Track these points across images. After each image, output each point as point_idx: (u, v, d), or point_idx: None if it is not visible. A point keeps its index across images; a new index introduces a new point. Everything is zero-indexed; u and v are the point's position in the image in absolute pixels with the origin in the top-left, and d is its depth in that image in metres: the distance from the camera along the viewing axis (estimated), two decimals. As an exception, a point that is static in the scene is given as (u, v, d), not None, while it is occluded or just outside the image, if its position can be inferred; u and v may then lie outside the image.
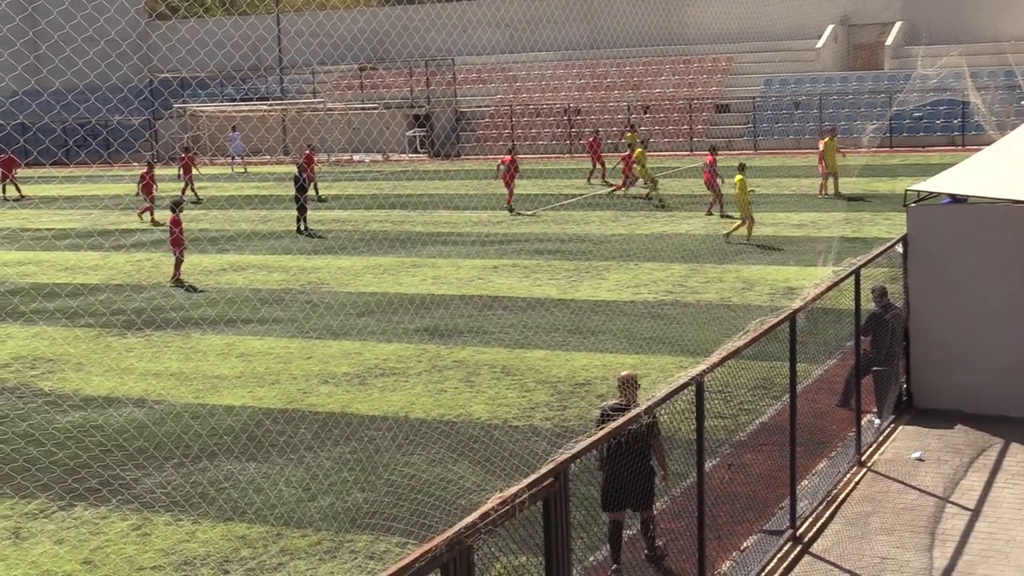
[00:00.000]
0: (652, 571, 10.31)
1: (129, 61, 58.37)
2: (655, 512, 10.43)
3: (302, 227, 34.23)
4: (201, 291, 25.60)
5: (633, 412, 8.58)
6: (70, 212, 42.15)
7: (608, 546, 10.18)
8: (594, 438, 7.96)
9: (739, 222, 28.65)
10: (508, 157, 37.87)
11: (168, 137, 66.21)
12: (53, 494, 13.17)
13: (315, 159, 45.49)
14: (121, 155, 62.46)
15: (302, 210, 34.16)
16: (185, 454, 14.33)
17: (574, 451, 7.52)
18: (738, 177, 28.57)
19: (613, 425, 8.14)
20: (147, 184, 38.47)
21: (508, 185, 37.32)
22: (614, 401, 10.62)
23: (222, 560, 11.27)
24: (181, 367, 18.88)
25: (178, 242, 26.76)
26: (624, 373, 10.84)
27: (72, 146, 65.37)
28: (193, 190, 44.99)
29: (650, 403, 8.70)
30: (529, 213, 36.02)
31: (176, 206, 27.68)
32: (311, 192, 43.30)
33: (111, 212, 41.64)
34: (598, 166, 44.56)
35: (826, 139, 36.65)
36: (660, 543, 10.39)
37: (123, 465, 14.03)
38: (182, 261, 27.06)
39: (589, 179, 44.68)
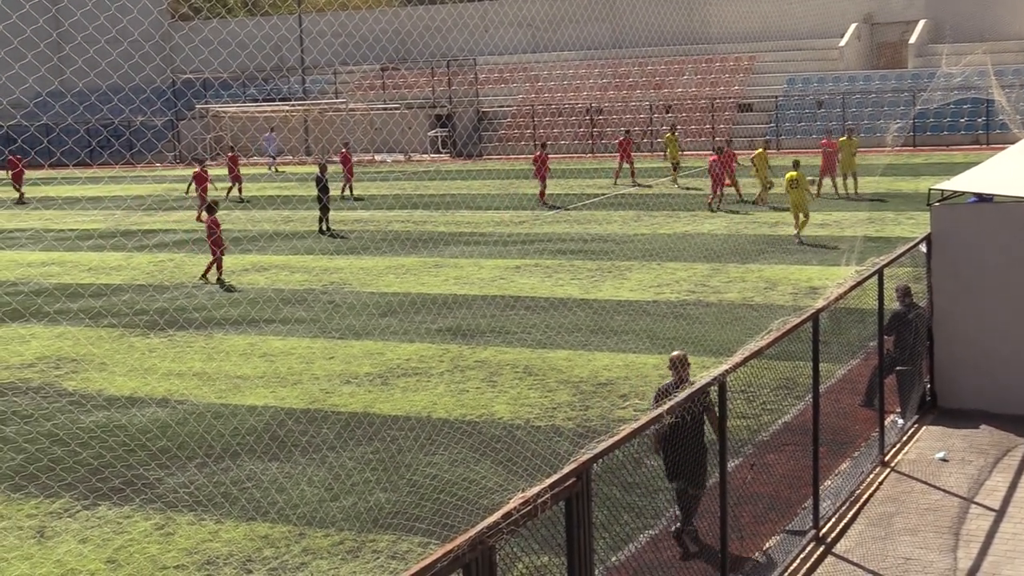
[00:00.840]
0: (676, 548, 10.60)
1: (152, 62, 58.63)
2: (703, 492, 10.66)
3: (324, 227, 34.30)
4: (240, 290, 25.64)
5: (682, 395, 8.94)
6: (93, 213, 42.35)
7: (678, 509, 10.70)
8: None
9: (799, 218, 28.20)
10: (538, 154, 39.59)
11: (191, 138, 66.45)
12: (77, 493, 13.24)
13: (351, 158, 45.46)
14: (144, 156, 62.77)
15: (324, 210, 34.21)
16: (208, 454, 14.37)
17: (596, 451, 7.50)
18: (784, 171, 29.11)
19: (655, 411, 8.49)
20: (205, 186, 38.46)
21: (543, 180, 39.28)
22: (668, 381, 11.15)
23: (245, 560, 11.30)
24: (204, 367, 18.94)
25: (219, 242, 26.71)
26: (675, 353, 11.26)
27: (95, 147, 65.71)
28: (240, 190, 44.94)
29: (672, 403, 8.67)
30: (550, 212, 36.01)
31: (214, 207, 27.73)
32: (346, 192, 43.34)
33: (134, 213, 41.83)
34: (626, 166, 44.07)
35: (843, 139, 36.51)
36: (695, 526, 10.60)
37: (146, 465, 14.09)
38: (220, 261, 27.04)
39: (616, 179, 44.42)
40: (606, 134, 60.25)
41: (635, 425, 8.15)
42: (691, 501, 10.63)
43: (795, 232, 28.16)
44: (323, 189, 34.13)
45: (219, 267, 27.01)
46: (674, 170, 42.84)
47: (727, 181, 35.41)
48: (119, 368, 19.16)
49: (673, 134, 43.94)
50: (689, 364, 11.15)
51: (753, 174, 35.70)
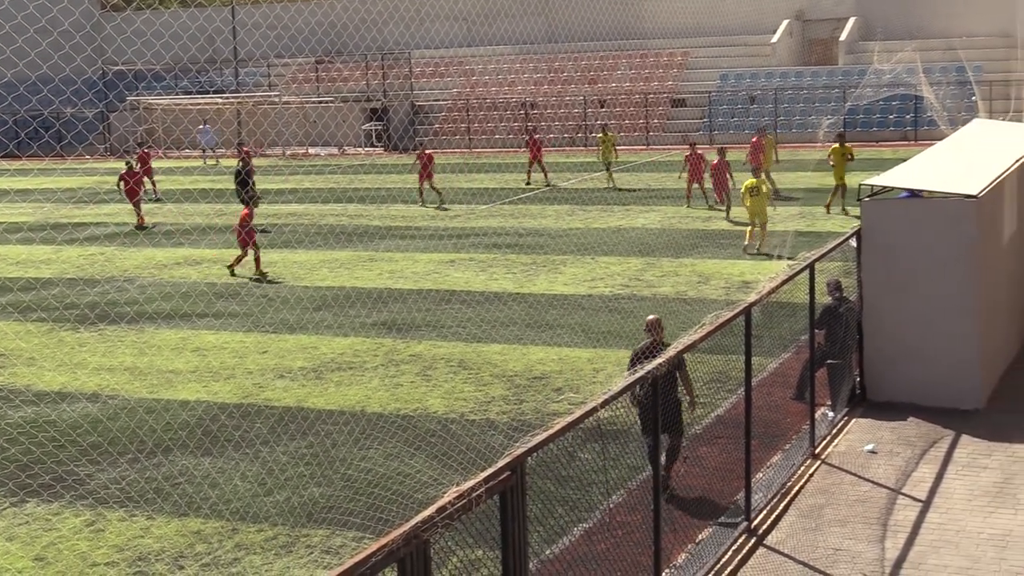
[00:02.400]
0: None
1: (83, 52, 57.79)
2: (684, 442, 11.82)
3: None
4: (279, 282, 25.21)
5: (658, 360, 9.77)
6: (22, 206, 41.67)
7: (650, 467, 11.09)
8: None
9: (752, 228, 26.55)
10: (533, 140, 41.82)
11: (123, 130, 65.60)
12: (5, 490, 13.05)
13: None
14: (74, 148, 61.85)
15: (245, 204, 33.48)
16: (139, 449, 14.22)
17: (530, 445, 7.53)
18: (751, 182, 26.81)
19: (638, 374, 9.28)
20: (131, 188, 37.48)
21: (540, 163, 40.99)
22: (644, 343, 12.23)
23: (177, 556, 11.20)
24: (135, 362, 18.74)
25: (251, 235, 25.98)
26: (651, 317, 12.61)
27: (24, 138, 64.60)
28: (153, 185, 43.59)
29: (607, 396, 8.72)
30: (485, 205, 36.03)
31: (250, 201, 26.90)
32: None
33: (64, 205, 41.22)
34: (536, 165, 42.02)
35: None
36: (672, 476, 11.53)
37: (76, 461, 13.92)
38: (244, 256, 26.16)
39: (528, 179, 42.34)
40: (541, 128, 60.38)
41: (569, 419, 8.19)
42: (671, 451, 11.54)
43: (748, 242, 26.40)
44: (242, 183, 33.40)
45: (257, 261, 26.13)
46: (607, 171, 40.84)
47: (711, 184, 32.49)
48: (48, 363, 18.90)
49: (606, 134, 41.75)
50: (663, 328, 12.29)
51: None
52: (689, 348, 10.19)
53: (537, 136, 43.75)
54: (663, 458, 11.05)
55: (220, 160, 58.10)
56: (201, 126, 60.18)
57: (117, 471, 13.55)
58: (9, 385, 17.52)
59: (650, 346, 11.81)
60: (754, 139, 34.84)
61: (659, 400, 9.64)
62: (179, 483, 13.09)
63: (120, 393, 16.92)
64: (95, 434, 14.84)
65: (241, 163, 34.79)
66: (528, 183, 42.05)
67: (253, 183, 33.54)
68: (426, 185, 37.84)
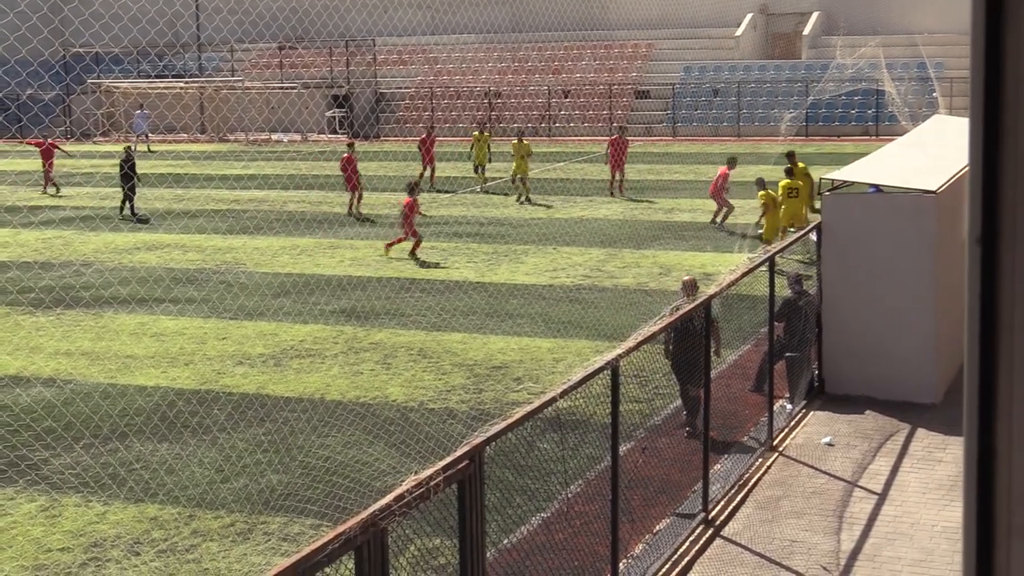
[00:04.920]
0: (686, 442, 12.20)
1: (40, 34, 57.08)
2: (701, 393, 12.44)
3: (128, 210, 33.61)
4: (434, 264, 24.95)
5: (686, 309, 11.43)
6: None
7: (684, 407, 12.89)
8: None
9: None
10: (425, 136, 38.57)
11: (80, 113, 64.94)
12: (-42, 475, 12.90)
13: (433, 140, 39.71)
14: (31, 130, 61.13)
15: (132, 191, 33.51)
16: (95, 435, 14.11)
17: (489, 434, 7.53)
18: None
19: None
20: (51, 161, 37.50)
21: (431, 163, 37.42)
22: (679, 300, 13.44)
23: (133, 542, 11.12)
24: (92, 347, 18.58)
25: (411, 224, 25.43)
26: (687, 277, 14.03)
27: (-19, 120, 63.84)
28: (54, 182, 40.49)
29: (566, 386, 8.72)
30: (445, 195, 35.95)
31: (413, 188, 26.32)
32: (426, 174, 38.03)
33: (19, 188, 40.77)
34: (429, 169, 38.34)
35: (514, 141, 35.43)
36: (699, 424, 12.21)
37: (31, 446, 13.78)
38: (417, 241, 25.61)
39: (421, 179, 35.53)
40: (504, 118, 60.33)
41: (529, 408, 8.19)
42: (694, 401, 12.45)
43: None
44: (132, 170, 33.26)
45: (416, 244, 25.55)
46: (476, 172, 37.63)
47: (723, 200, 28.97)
48: (4, 347, 18.70)
49: (482, 133, 38.14)
50: (698, 287, 13.75)
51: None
52: (640, 345, 10.21)
53: (435, 133, 41.28)
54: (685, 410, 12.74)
55: (151, 147, 57.50)
56: (138, 111, 59.55)
57: (73, 456, 13.43)
58: (-36, 369, 17.32)
59: (684, 303, 13.03)
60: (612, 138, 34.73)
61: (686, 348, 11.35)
62: (136, 469, 12.99)
63: (77, 378, 16.77)
64: (50, 419, 14.70)
65: (126, 151, 34.32)
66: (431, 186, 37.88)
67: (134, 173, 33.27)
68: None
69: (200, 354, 17.95)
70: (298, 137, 60.93)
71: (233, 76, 66.79)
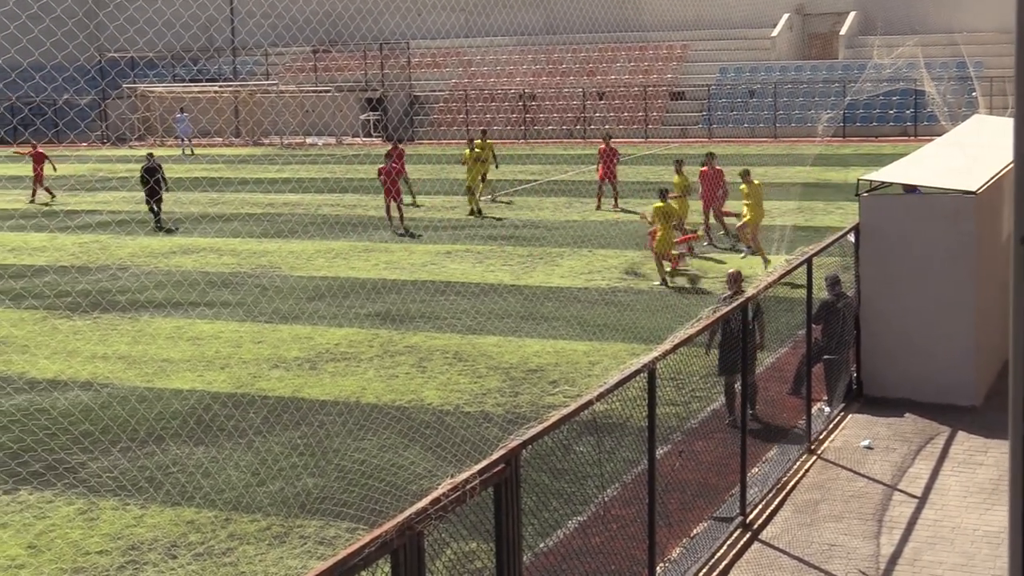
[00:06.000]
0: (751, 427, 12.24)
1: (75, 39, 57.54)
2: (756, 379, 13.27)
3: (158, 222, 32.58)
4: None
5: (734, 305, 11.79)
6: (15, 192, 41.48)
7: (724, 400, 13.42)
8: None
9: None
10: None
11: (115, 118, 65.35)
12: (-3, 478, 12.98)
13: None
14: (67, 135, 61.63)
15: (158, 204, 32.55)
16: (132, 438, 14.16)
17: (525, 437, 7.48)
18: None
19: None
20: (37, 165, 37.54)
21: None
22: (726, 293, 14.14)
23: (170, 545, 11.15)
24: (129, 350, 18.67)
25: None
26: (731, 270, 14.56)
27: (16, 125, 64.36)
28: (46, 188, 39.85)
29: (603, 389, 8.67)
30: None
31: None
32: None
33: (57, 193, 41.06)
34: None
35: (477, 141, 34.24)
36: (758, 407, 13.26)
37: (68, 449, 13.85)
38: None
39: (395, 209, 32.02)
40: (539, 120, 60.29)
41: (565, 411, 8.14)
42: (751, 389, 12.78)
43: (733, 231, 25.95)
44: (157, 183, 32.21)
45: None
46: (483, 182, 34.40)
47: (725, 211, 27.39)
48: (42, 351, 18.82)
49: (483, 140, 35.28)
50: (743, 278, 14.36)
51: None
52: (676, 348, 10.13)
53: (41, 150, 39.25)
54: (725, 401, 13.34)
55: (193, 150, 57.76)
56: (177, 114, 59.90)
57: (110, 460, 13.48)
58: (2, 373, 17.44)
59: (730, 296, 13.68)
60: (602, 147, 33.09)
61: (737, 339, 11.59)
62: (172, 472, 13.02)
63: (113, 382, 16.84)
64: (87, 422, 14.77)
65: (148, 159, 33.22)
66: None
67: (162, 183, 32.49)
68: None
69: (236, 358, 17.99)
70: (332, 140, 61.12)
71: (267, 80, 67.07)
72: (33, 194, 39.91)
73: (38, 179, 39.67)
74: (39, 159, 39.38)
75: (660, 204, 22.92)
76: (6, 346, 19.19)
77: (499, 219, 31.69)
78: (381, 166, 31.47)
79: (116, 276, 25.14)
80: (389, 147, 34.89)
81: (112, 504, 12.20)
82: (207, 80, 67.58)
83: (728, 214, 27.00)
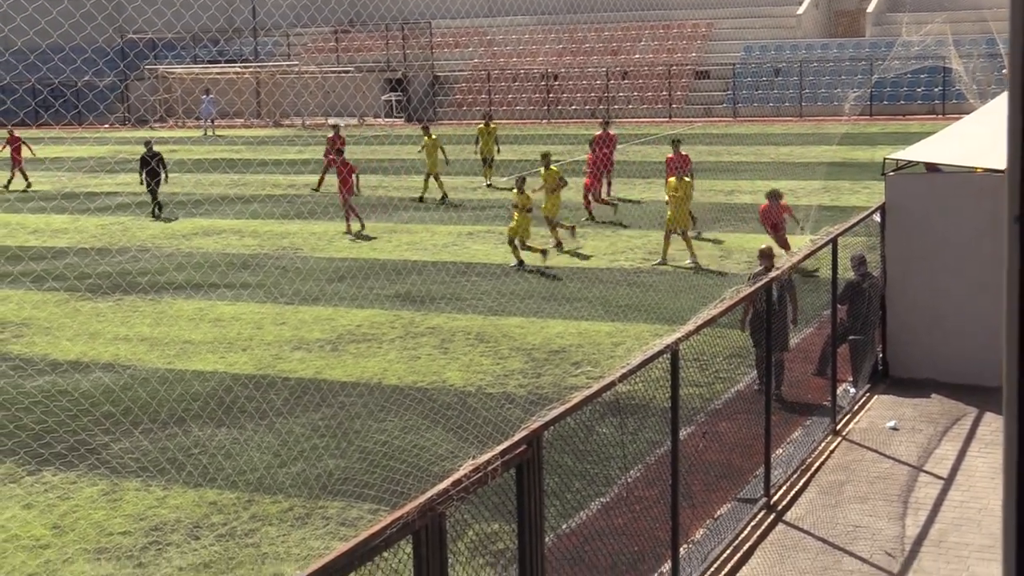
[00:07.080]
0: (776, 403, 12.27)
1: (94, 21, 57.50)
2: (785, 356, 13.48)
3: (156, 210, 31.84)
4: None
5: (765, 280, 11.75)
6: (34, 175, 41.58)
7: (756, 373, 13.47)
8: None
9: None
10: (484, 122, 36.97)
11: (135, 99, 65.41)
12: (20, 459, 13.00)
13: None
14: (86, 117, 61.74)
15: (156, 185, 31.84)
16: (154, 420, 14.17)
17: (548, 418, 7.41)
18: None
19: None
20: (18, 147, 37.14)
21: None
22: (758, 268, 14.16)
23: (193, 526, 11.14)
24: (151, 332, 18.68)
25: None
26: (763, 246, 14.56)
27: (35, 107, 64.52)
28: (24, 176, 38.86)
29: (626, 370, 8.58)
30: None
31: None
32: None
33: (76, 175, 41.15)
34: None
35: (481, 125, 34.19)
36: (784, 387, 13.40)
37: (91, 431, 13.87)
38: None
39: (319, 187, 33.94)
40: (562, 100, 60.08)
41: (587, 392, 8.07)
42: (778, 366, 12.90)
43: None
44: (151, 172, 31.42)
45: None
46: (487, 166, 35.00)
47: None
48: (64, 332, 18.86)
49: (488, 125, 35.09)
50: (774, 254, 14.41)
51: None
52: (700, 328, 10.04)
53: (18, 135, 38.41)
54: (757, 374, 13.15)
55: (217, 131, 57.70)
56: (205, 95, 59.92)
57: (132, 441, 13.49)
58: (25, 355, 17.48)
59: (763, 271, 13.66)
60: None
61: (770, 315, 11.56)
62: (194, 454, 13.02)
63: (135, 363, 16.86)
64: (110, 404, 14.79)
65: (147, 146, 32.41)
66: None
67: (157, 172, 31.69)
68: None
69: (257, 339, 17.98)
70: (354, 121, 61.06)
71: (288, 60, 67.01)
72: (10, 180, 38.78)
73: (16, 164, 38.70)
74: (14, 142, 38.26)
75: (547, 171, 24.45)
76: (28, 328, 19.24)
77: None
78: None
79: (137, 258, 25.16)
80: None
81: (135, 485, 12.21)
82: (227, 61, 67.53)
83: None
